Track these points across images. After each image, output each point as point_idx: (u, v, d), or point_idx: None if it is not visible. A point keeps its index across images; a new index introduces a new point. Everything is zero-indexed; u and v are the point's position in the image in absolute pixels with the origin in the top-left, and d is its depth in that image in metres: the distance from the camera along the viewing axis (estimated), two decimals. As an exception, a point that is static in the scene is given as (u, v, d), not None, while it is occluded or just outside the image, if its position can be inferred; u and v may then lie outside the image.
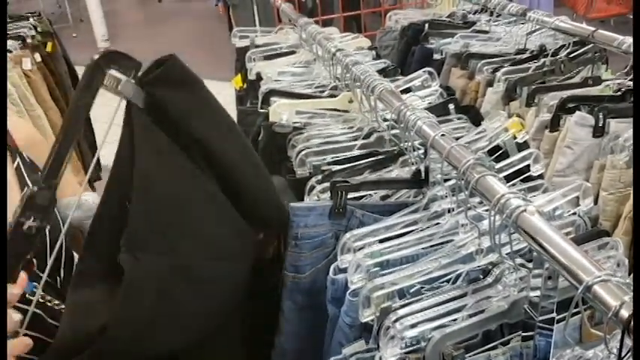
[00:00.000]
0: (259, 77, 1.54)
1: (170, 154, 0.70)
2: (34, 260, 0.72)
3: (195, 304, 0.75)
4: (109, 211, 0.70)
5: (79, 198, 0.89)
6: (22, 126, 0.90)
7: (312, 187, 0.99)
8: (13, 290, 0.61)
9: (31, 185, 0.81)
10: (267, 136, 1.20)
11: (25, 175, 0.83)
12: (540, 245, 0.60)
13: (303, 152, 1.10)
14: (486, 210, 0.78)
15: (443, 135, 0.84)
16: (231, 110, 1.76)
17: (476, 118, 1.17)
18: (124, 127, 0.68)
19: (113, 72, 0.64)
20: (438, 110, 1.18)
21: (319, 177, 1.00)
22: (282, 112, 1.21)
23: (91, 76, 0.62)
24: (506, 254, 0.69)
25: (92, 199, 0.89)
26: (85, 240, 0.72)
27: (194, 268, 0.73)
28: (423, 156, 0.93)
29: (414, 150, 0.95)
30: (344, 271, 0.80)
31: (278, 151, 1.18)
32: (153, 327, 0.72)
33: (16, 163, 0.83)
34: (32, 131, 0.94)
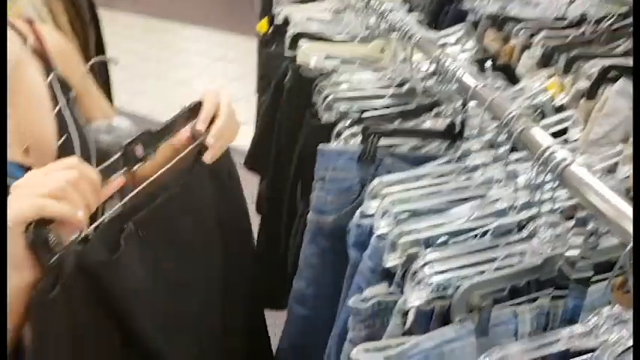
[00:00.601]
0: (286, 22, 1.48)
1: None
2: None
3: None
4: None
5: (109, 122, 0.86)
6: (52, 33, 0.84)
7: (340, 132, 0.95)
8: (102, 193, 0.62)
9: (65, 102, 0.78)
10: (294, 79, 1.16)
11: (58, 94, 0.79)
12: (587, 199, 0.57)
13: (330, 97, 1.06)
14: (526, 167, 0.75)
15: (485, 85, 0.80)
16: (251, 62, 1.70)
17: (512, 78, 1.12)
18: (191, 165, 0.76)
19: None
20: (475, 67, 1.13)
21: (347, 122, 0.97)
22: (311, 55, 1.17)
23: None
24: (547, 211, 0.66)
25: (125, 124, 0.86)
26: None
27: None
28: (460, 108, 0.89)
29: (450, 101, 0.91)
30: (369, 216, 0.78)
31: (304, 95, 1.14)
32: None
33: (49, 79, 0.78)
34: (63, 40, 0.87)
